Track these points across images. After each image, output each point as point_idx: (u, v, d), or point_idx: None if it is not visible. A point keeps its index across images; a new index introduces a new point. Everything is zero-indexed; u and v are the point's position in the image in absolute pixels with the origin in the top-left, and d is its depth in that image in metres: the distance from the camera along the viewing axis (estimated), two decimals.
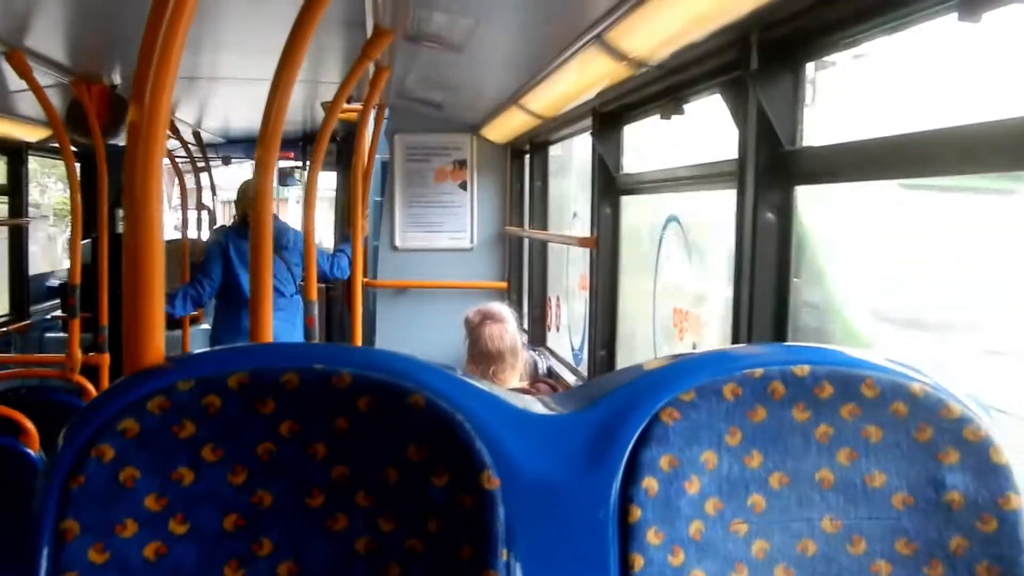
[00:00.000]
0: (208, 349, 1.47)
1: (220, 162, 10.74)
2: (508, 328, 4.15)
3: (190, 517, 1.34)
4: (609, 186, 4.35)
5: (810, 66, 2.57)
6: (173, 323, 6.97)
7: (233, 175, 11.23)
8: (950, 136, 1.91)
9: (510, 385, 4.08)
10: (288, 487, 1.37)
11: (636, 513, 1.36)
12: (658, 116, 3.67)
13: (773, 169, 2.56)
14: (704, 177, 3.36)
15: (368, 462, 1.37)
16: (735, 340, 2.66)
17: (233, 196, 7.39)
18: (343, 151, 9.19)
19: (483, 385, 1.45)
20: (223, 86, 6.22)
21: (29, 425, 3.65)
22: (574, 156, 5.89)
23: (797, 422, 1.39)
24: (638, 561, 1.35)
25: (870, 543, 1.39)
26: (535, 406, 1.45)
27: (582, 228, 5.37)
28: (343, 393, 1.37)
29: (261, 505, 1.36)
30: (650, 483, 1.36)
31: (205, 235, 8.85)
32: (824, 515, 1.39)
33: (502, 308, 4.27)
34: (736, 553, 1.38)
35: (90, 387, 4.83)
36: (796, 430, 1.39)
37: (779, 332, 2.53)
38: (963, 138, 1.87)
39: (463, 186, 6.86)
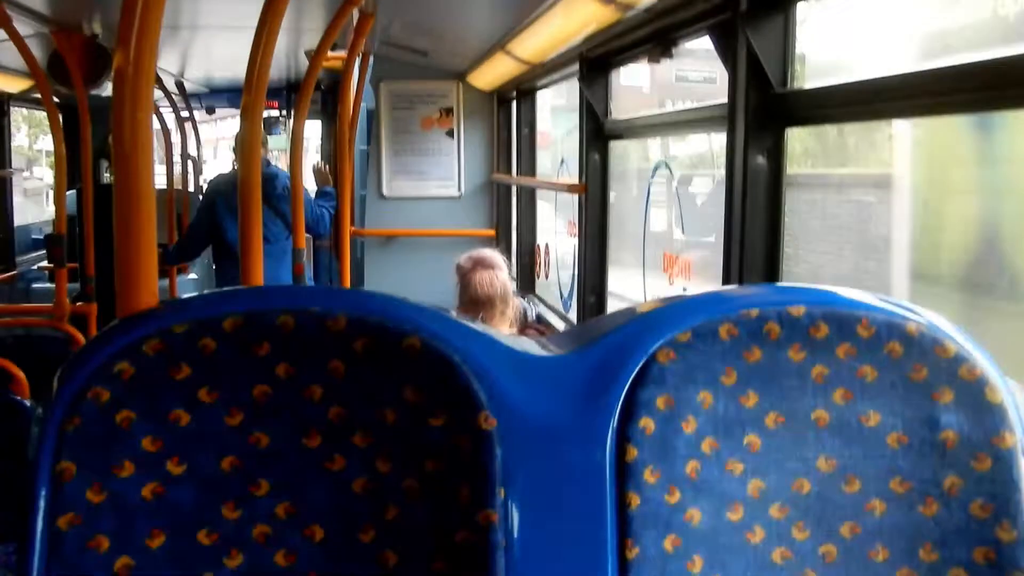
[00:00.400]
0: (202, 293, 1.46)
1: (204, 112, 10.67)
2: (499, 275, 4.14)
3: (187, 458, 1.35)
4: (597, 132, 4.33)
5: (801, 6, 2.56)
6: (161, 273, 6.97)
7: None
8: (942, 75, 1.90)
9: (500, 330, 4.08)
10: (285, 429, 1.37)
11: (632, 452, 1.36)
12: (646, 60, 3.66)
13: (764, 111, 2.55)
14: (694, 121, 3.35)
15: (365, 404, 1.37)
16: (726, 283, 2.67)
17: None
18: (328, 100, 9.13)
19: (479, 327, 1.45)
20: (205, 34, 6.15)
21: (19, 373, 3.65)
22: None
23: (793, 362, 1.40)
24: (634, 500, 1.36)
25: (865, 482, 1.40)
26: (531, 347, 1.45)
27: (570, 176, 5.36)
28: (339, 335, 1.37)
29: (258, 446, 1.36)
30: (646, 423, 1.37)
31: (191, 187, 8.80)
32: (819, 454, 1.40)
33: (494, 254, 4.25)
34: (732, 492, 1.39)
35: (79, 336, 4.81)
36: (791, 370, 1.40)
37: (771, 275, 2.54)
38: (955, 77, 1.86)
39: (450, 134, 6.83)
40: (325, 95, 8.99)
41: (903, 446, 1.40)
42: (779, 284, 2.35)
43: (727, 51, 2.71)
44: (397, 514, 1.37)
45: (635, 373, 1.38)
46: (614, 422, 1.38)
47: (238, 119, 2.57)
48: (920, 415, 1.40)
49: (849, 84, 2.29)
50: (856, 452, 1.40)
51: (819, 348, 1.40)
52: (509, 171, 6.63)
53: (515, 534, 1.35)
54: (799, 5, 2.54)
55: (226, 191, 6.30)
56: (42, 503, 1.31)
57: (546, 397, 1.39)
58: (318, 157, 10.25)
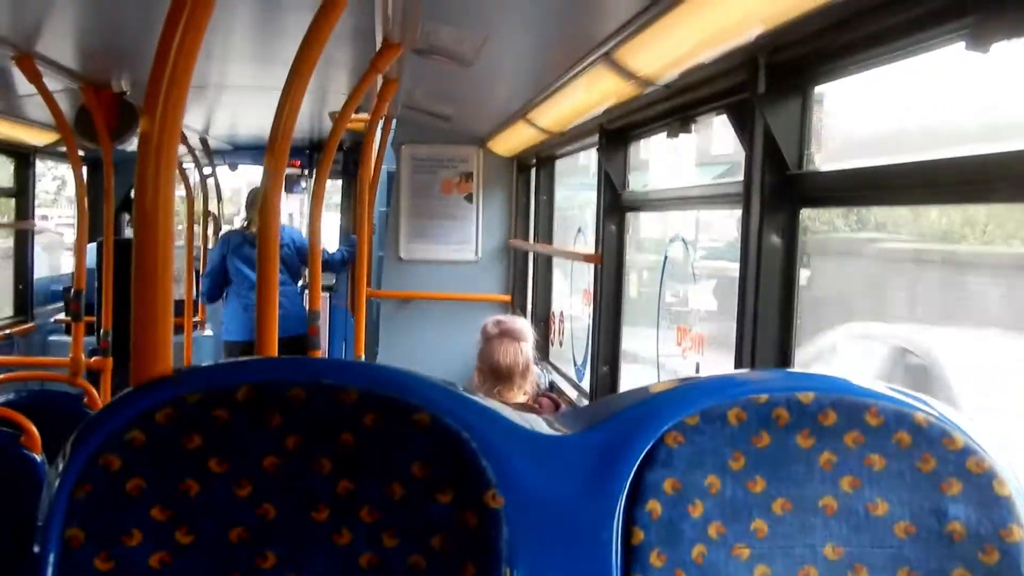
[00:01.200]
0: (215, 362, 1.48)
1: (227, 168, 10.77)
2: (524, 348, 4.11)
3: (195, 528, 1.35)
4: (615, 203, 4.36)
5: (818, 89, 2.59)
6: (176, 328, 7.07)
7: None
8: (957, 165, 1.92)
9: (513, 401, 4.07)
10: (293, 501, 1.37)
11: (639, 535, 1.36)
12: (664, 135, 3.69)
13: (779, 192, 2.57)
14: (710, 198, 3.37)
15: (373, 478, 1.38)
16: (738, 363, 2.67)
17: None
18: (349, 160, 9.21)
19: (489, 403, 1.46)
20: (232, 94, 6.24)
21: (32, 428, 3.65)
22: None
23: (801, 448, 1.40)
24: None
25: (872, 571, 1.40)
26: (540, 426, 1.46)
27: (586, 244, 5.38)
28: (349, 409, 1.38)
29: (266, 518, 1.37)
30: (654, 506, 1.37)
31: (211, 244, 8.86)
32: (826, 542, 1.40)
33: (524, 326, 4.22)
34: None
35: (93, 391, 4.83)
36: (800, 456, 1.40)
37: (783, 356, 2.54)
38: (971, 167, 1.87)
39: (469, 198, 6.87)
40: (347, 155, 9.07)
41: (911, 536, 1.40)
42: (790, 370, 2.35)
43: (744, 130, 2.73)
44: None
45: (643, 455, 1.39)
46: (621, 503, 1.38)
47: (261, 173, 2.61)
48: (928, 505, 1.40)
49: (864, 168, 2.31)
50: (863, 540, 1.40)
51: (827, 435, 1.40)
52: (526, 237, 6.66)
53: None
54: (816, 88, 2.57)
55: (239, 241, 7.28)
56: (50, 569, 1.32)
57: (554, 476, 1.39)
58: (338, 216, 10.34)
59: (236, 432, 1.36)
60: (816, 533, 1.40)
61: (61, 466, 1.35)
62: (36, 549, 1.35)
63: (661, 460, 1.38)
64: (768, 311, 2.55)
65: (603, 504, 1.38)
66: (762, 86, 2.57)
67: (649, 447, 1.39)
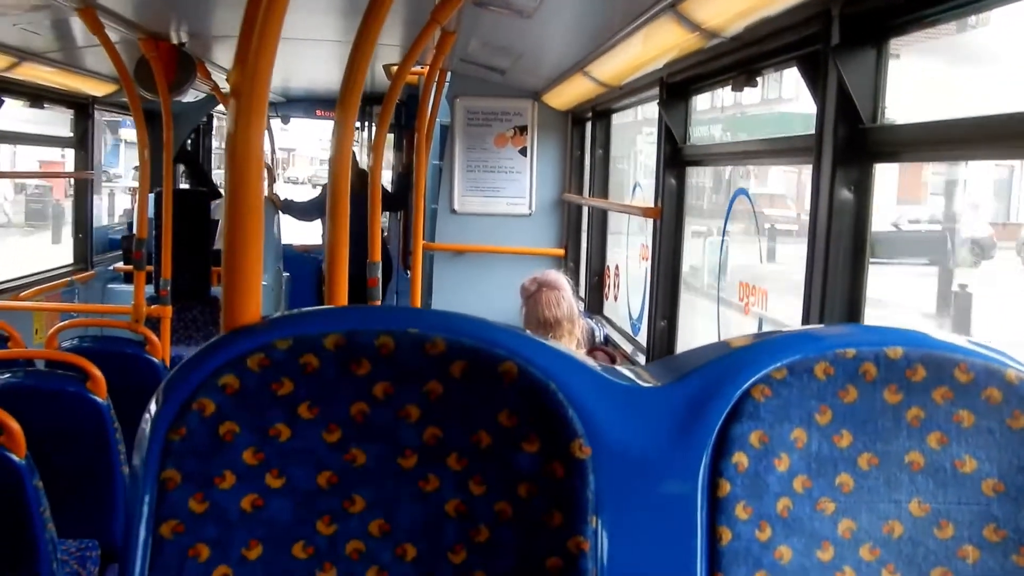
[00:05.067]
0: (304, 309, 1.49)
1: (279, 120, 10.82)
2: (564, 295, 4.14)
3: (285, 472, 1.37)
4: (675, 157, 4.33)
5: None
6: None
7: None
8: None
9: None
10: (381, 447, 1.39)
11: (725, 487, 1.37)
12: (728, 88, 3.65)
13: (851, 145, 2.54)
14: (777, 152, 3.34)
15: (460, 426, 1.39)
16: (806, 319, 2.65)
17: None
18: (401, 113, 9.21)
19: (574, 354, 1.46)
20: (285, 45, 6.22)
21: (98, 373, 3.72)
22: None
23: (888, 404, 1.40)
24: (726, 535, 1.36)
25: (958, 528, 1.39)
26: (626, 377, 1.46)
27: (644, 200, 5.36)
28: (437, 358, 1.39)
29: (354, 464, 1.39)
30: (740, 458, 1.37)
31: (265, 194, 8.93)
32: (912, 498, 1.40)
33: (558, 276, 4.26)
34: (823, 531, 1.39)
35: (154, 338, 4.90)
36: (887, 412, 1.40)
37: (853, 313, 2.52)
38: None
39: (523, 152, 6.86)
40: (399, 108, 9.07)
41: (999, 494, 1.39)
42: (869, 325, 2.34)
43: (816, 83, 2.70)
44: (488, 537, 1.38)
45: (729, 408, 1.39)
46: (707, 456, 1.38)
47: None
48: (1018, 463, 1.39)
49: (941, 122, 2.28)
50: (950, 497, 1.40)
51: (915, 391, 1.40)
52: (581, 191, 6.64)
53: (605, 563, 1.36)
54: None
55: None
56: (145, 509, 1.35)
57: (640, 428, 1.40)
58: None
59: (325, 379, 1.38)
60: (902, 489, 1.40)
61: (155, 410, 1.38)
62: (132, 492, 1.38)
63: (748, 413, 1.38)
64: (839, 267, 2.53)
65: (689, 456, 1.38)
66: (836, 38, 2.54)
67: (736, 400, 1.39)
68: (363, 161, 10.47)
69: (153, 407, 1.39)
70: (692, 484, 1.38)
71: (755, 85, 3.42)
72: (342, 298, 2.45)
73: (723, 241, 4.02)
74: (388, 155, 11.58)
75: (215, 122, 10.78)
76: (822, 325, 2.44)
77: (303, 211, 9.04)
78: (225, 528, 1.36)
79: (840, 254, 2.53)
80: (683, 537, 1.37)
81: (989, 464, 1.39)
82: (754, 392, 1.39)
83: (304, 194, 15.59)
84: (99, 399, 3.73)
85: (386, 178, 11.05)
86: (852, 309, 2.52)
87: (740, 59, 3.39)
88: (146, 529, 1.35)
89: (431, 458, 1.40)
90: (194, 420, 1.35)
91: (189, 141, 9.70)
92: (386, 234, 9.44)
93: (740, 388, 1.39)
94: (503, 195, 6.89)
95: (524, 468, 1.38)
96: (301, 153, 45.28)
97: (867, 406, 1.39)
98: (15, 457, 2.96)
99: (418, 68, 5.98)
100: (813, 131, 2.69)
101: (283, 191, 15.68)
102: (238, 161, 1.49)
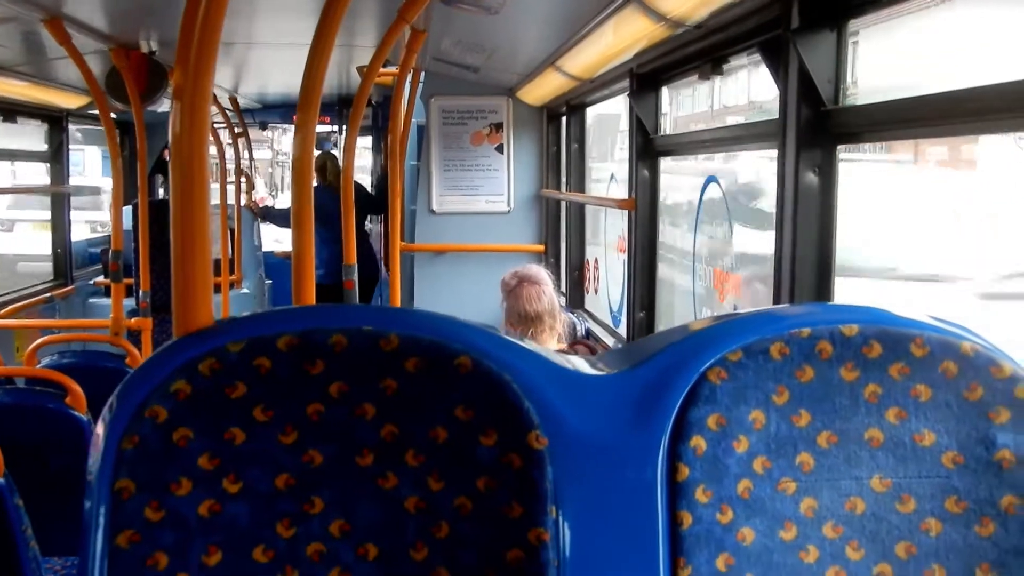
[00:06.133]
0: (255, 312, 1.48)
1: (257, 127, 10.79)
2: (545, 290, 4.14)
3: (242, 476, 1.36)
4: (647, 147, 4.33)
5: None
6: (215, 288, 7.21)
7: None
8: (1002, 91, 1.88)
9: (549, 347, 4.08)
10: (338, 447, 1.38)
11: (684, 472, 1.36)
12: (696, 77, 3.65)
13: (815, 128, 2.54)
14: (743, 138, 3.34)
15: (417, 422, 1.39)
16: (776, 301, 2.65)
17: None
18: (378, 115, 9.21)
19: (530, 345, 1.46)
20: (259, 51, 6.22)
21: (77, 388, 3.71)
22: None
23: (845, 381, 1.39)
24: (687, 519, 1.36)
25: (920, 501, 1.39)
26: (582, 365, 1.46)
27: (620, 191, 5.36)
28: (391, 355, 1.38)
29: (312, 464, 1.38)
30: (698, 442, 1.37)
31: (243, 202, 8.91)
32: (873, 474, 1.40)
33: (539, 270, 4.26)
34: (784, 511, 1.39)
35: (134, 350, 4.89)
36: (844, 389, 1.39)
37: (821, 293, 2.52)
38: (1012, 95, 1.84)
39: (499, 149, 6.86)
40: (376, 110, 9.07)
41: (959, 465, 1.39)
42: (830, 303, 2.34)
43: (778, 67, 2.70)
44: (449, 532, 1.38)
45: (686, 392, 1.39)
46: (665, 441, 1.38)
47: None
48: (976, 434, 1.39)
49: (902, 100, 2.28)
50: (911, 471, 1.40)
51: (872, 367, 1.39)
52: (558, 186, 6.64)
53: (567, 553, 1.35)
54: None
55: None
56: (102, 520, 1.33)
57: (597, 416, 1.39)
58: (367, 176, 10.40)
59: (279, 380, 1.37)
60: (863, 465, 1.40)
61: (108, 419, 1.36)
62: (87, 503, 1.37)
63: (704, 396, 1.38)
64: (806, 250, 2.54)
65: (647, 441, 1.38)
66: (795, 21, 2.54)
67: (692, 383, 1.38)
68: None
69: (107, 415, 1.37)
70: (651, 470, 1.37)
71: (721, 73, 3.42)
72: (309, 301, 2.43)
73: (695, 229, 4.02)
74: (368, 158, 11.58)
75: None
76: (784, 305, 2.44)
77: (282, 218, 9.03)
78: (183, 535, 1.34)
79: (807, 235, 2.53)
80: (644, 523, 1.36)
81: (947, 437, 1.39)
82: (710, 375, 1.38)
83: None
84: (79, 414, 3.72)
85: (368, 182, 11.04)
86: (821, 292, 2.52)
87: (705, 47, 3.40)
88: (103, 540, 1.33)
89: (389, 456, 1.39)
90: (147, 427, 1.34)
91: (165, 151, 9.68)
92: (371, 237, 9.43)
93: (696, 372, 1.39)
94: (481, 193, 6.89)
95: (482, 461, 1.38)
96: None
97: (824, 385, 1.39)
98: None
99: (392, 69, 5.97)
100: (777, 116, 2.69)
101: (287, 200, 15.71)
102: (183, 162, 1.47)
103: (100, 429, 1.37)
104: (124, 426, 1.34)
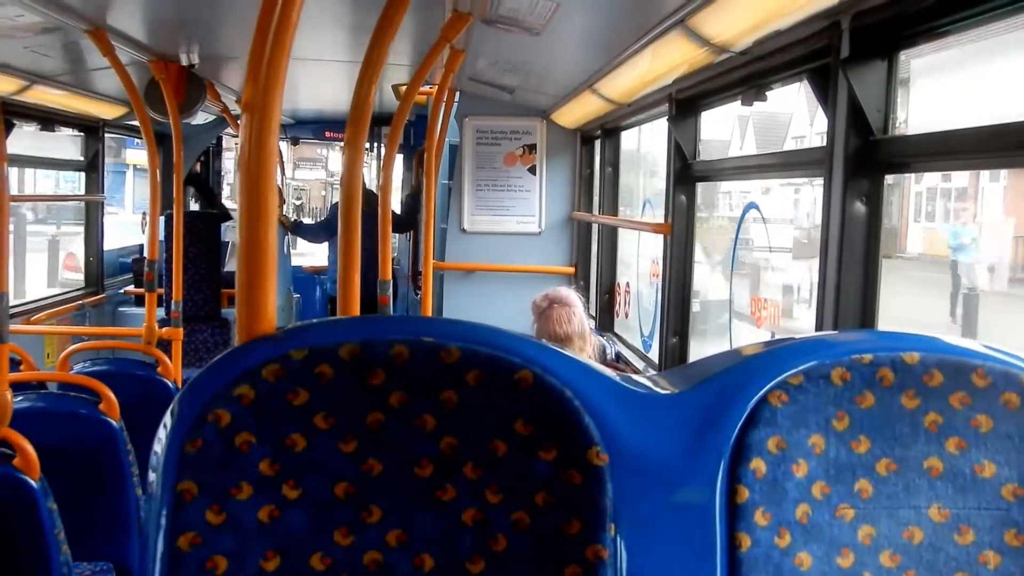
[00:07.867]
0: (318, 320, 1.49)
1: (288, 142, 10.86)
2: (576, 312, 4.13)
3: (302, 483, 1.37)
4: (685, 172, 4.33)
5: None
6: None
7: None
8: None
9: None
10: (397, 457, 1.39)
11: (744, 494, 1.36)
12: (738, 103, 3.65)
13: (863, 157, 2.54)
14: (787, 165, 3.34)
15: (476, 435, 1.39)
16: (819, 328, 2.64)
17: None
18: (409, 133, 9.25)
19: (590, 362, 1.46)
20: (293, 66, 6.26)
21: (111, 395, 3.73)
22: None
23: (906, 409, 1.39)
24: (745, 541, 1.35)
25: (978, 533, 1.39)
26: (641, 384, 1.46)
27: (653, 217, 5.36)
28: (452, 367, 1.39)
29: (371, 474, 1.38)
30: (758, 464, 1.37)
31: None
32: (932, 503, 1.39)
33: (569, 292, 4.25)
34: (842, 538, 1.38)
35: (165, 359, 4.91)
36: (904, 417, 1.39)
37: (866, 324, 2.51)
38: None
39: (532, 170, 6.87)
40: (407, 129, 9.10)
41: (1019, 498, 1.39)
42: (884, 331, 2.33)
43: (826, 96, 2.70)
44: (506, 546, 1.38)
45: (746, 414, 1.39)
46: (725, 463, 1.38)
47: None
48: None
49: (954, 132, 2.27)
50: (970, 502, 1.39)
51: (933, 396, 1.39)
52: (590, 209, 6.64)
53: (624, 571, 1.35)
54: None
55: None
56: (163, 522, 1.34)
57: (657, 434, 1.39)
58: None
59: (340, 389, 1.38)
60: (921, 494, 1.39)
61: (170, 422, 1.37)
62: (145, 503, 1.38)
63: (765, 419, 1.38)
64: (851, 279, 2.53)
65: (707, 462, 1.38)
66: (845, 50, 2.54)
67: (752, 406, 1.38)
68: (372, 182, 10.50)
69: (169, 419, 1.38)
70: (710, 491, 1.37)
71: (764, 99, 3.42)
72: (355, 312, 2.45)
73: (733, 256, 4.02)
74: (398, 176, 11.61)
75: (224, 144, 10.83)
76: (836, 331, 2.43)
77: (313, 232, 9.07)
78: (242, 539, 1.35)
79: (852, 265, 2.53)
80: (702, 544, 1.36)
81: (1008, 469, 1.39)
82: (771, 398, 1.38)
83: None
84: (112, 421, 3.74)
85: (395, 199, 11.08)
86: (865, 319, 2.52)
87: (749, 73, 3.40)
88: (164, 542, 1.34)
89: (447, 467, 1.39)
90: (210, 431, 1.35)
91: (199, 164, 9.75)
92: (395, 254, 9.45)
93: (756, 394, 1.39)
94: (513, 214, 6.91)
95: (541, 476, 1.38)
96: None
97: (884, 411, 1.39)
98: (30, 479, 2.96)
99: (426, 88, 6.00)
100: (824, 144, 2.69)
101: None
102: (252, 175, 1.49)
103: (162, 432, 1.38)
104: (188, 428, 1.35)
